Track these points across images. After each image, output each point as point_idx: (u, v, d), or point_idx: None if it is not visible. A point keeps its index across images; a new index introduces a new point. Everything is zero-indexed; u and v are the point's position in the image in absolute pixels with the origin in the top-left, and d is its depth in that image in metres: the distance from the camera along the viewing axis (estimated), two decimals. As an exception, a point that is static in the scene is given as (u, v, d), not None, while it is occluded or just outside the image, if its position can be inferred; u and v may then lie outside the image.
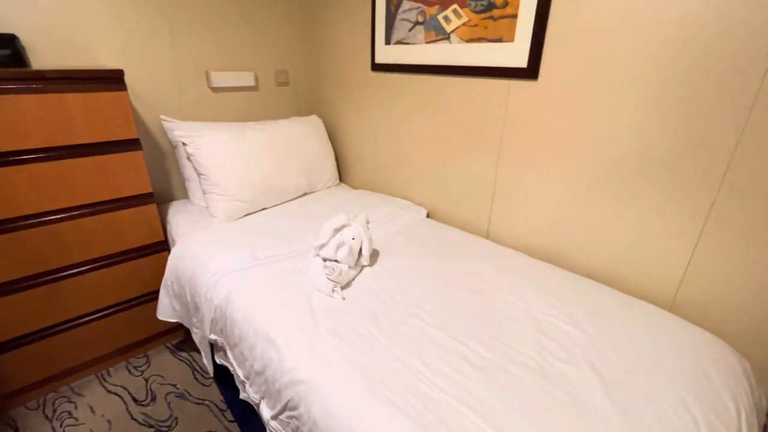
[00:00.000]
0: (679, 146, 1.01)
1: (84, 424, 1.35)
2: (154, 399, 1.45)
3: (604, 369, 0.86)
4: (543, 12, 1.16)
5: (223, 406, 1.42)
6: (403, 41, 1.59)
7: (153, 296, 1.56)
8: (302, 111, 2.21)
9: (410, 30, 1.55)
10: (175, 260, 1.41)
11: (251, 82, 1.95)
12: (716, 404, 0.79)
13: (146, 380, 1.53)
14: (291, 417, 0.87)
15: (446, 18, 1.41)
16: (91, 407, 1.41)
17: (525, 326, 1.00)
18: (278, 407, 0.91)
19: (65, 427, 1.34)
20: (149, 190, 1.46)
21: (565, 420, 0.74)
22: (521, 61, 1.25)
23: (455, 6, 1.37)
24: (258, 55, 1.95)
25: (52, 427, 1.33)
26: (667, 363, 0.88)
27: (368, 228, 1.42)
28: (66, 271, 1.36)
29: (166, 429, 1.33)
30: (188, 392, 1.48)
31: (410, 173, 1.78)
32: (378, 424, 0.73)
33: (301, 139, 1.88)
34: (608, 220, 1.20)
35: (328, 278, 1.12)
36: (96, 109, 1.27)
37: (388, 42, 1.66)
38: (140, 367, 1.60)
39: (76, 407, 1.41)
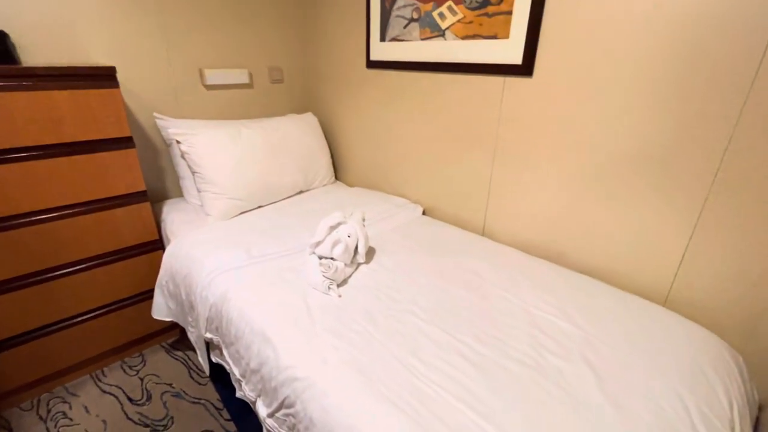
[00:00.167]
0: (673, 143, 1.02)
1: (79, 424, 1.34)
2: (149, 398, 1.44)
3: (599, 364, 0.87)
4: (538, 9, 1.16)
5: (220, 405, 1.42)
6: (398, 38, 1.59)
7: (148, 295, 1.55)
8: (297, 108, 2.20)
9: (405, 27, 1.55)
10: (169, 259, 1.40)
11: (245, 80, 1.94)
12: (710, 398, 0.80)
13: (141, 380, 1.52)
14: (287, 415, 0.87)
15: (441, 15, 1.41)
16: (85, 407, 1.40)
17: (521, 322, 1.00)
18: (274, 405, 0.91)
19: (60, 427, 1.33)
20: (143, 188, 1.45)
21: (560, 415, 0.75)
22: (516, 58, 1.25)
23: (450, 2, 1.37)
24: (252, 52, 1.94)
25: (47, 428, 1.32)
26: (661, 357, 0.89)
27: (364, 225, 1.42)
28: (59, 270, 1.35)
29: (162, 428, 1.33)
30: (184, 391, 1.47)
31: (406, 171, 1.78)
32: (374, 421, 0.73)
33: (296, 136, 1.87)
34: (603, 216, 1.20)
35: (324, 276, 1.12)
36: (87, 106, 1.26)
37: (383, 39, 1.65)
38: (135, 366, 1.59)
39: (70, 407, 1.40)
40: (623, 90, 1.07)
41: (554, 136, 1.24)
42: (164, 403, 1.42)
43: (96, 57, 1.52)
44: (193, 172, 1.60)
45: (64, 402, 1.43)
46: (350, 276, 1.20)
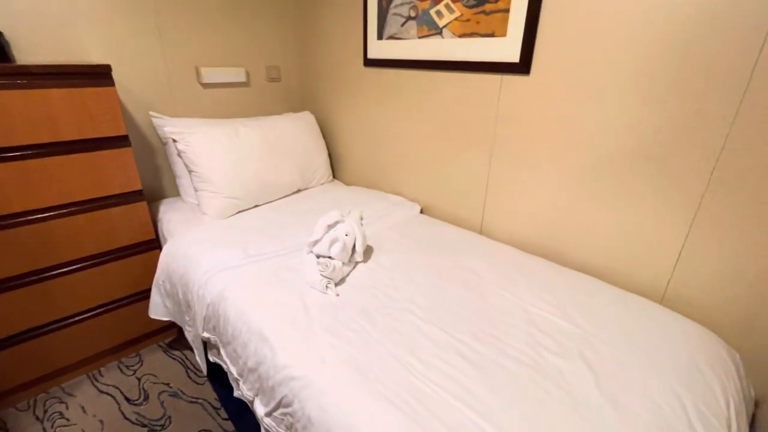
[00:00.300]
0: (670, 141, 1.02)
1: (75, 424, 1.33)
2: (147, 398, 1.44)
3: (597, 362, 0.87)
4: (535, 7, 1.16)
5: (217, 404, 1.41)
6: (396, 36, 1.58)
7: (145, 295, 1.54)
8: (294, 107, 2.19)
9: (402, 25, 1.54)
10: (166, 258, 1.39)
11: (242, 78, 1.93)
12: (707, 395, 0.80)
13: (139, 379, 1.52)
14: (285, 414, 0.87)
15: (438, 13, 1.41)
16: (82, 407, 1.40)
17: (518, 321, 1.00)
18: (272, 404, 0.91)
19: (56, 427, 1.32)
20: (139, 187, 1.44)
21: (558, 413, 0.75)
22: (513, 56, 1.25)
23: (447, 0, 1.36)
24: (249, 50, 1.93)
25: (43, 428, 1.32)
26: (659, 356, 0.89)
27: (362, 224, 1.42)
28: (55, 269, 1.34)
29: (159, 428, 1.33)
30: (182, 391, 1.47)
31: (403, 169, 1.78)
32: (372, 420, 0.73)
33: (293, 135, 1.86)
34: (600, 214, 1.20)
35: (321, 275, 1.11)
36: (82, 105, 1.25)
37: (380, 37, 1.65)
38: (132, 366, 1.58)
39: (67, 407, 1.40)
40: (621, 88, 1.07)
41: (551, 134, 1.24)
42: (162, 403, 1.42)
43: (92, 55, 1.51)
44: (190, 171, 1.59)
45: (61, 402, 1.42)
46: (348, 275, 1.20)
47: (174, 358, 1.62)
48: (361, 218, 1.53)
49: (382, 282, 1.16)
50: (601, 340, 0.93)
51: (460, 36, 1.37)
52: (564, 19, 1.13)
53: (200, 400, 1.43)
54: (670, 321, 1.01)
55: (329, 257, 1.18)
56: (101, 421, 1.34)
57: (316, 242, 1.21)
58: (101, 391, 1.46)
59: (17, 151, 1.18)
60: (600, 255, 1.24)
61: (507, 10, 1.22)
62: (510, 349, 0.91)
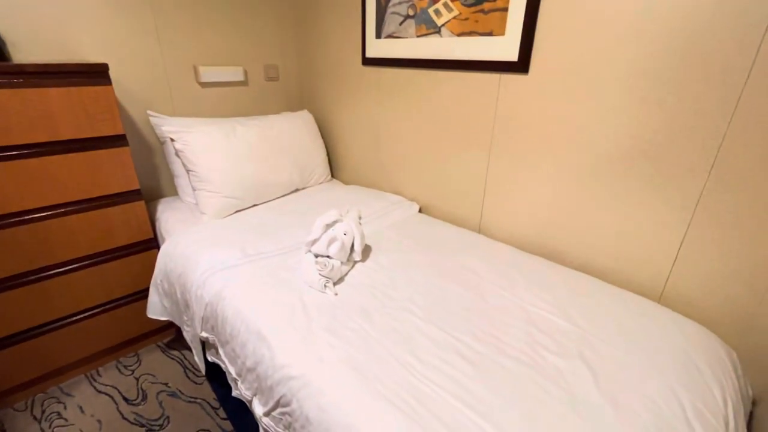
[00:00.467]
0: (668, 140, 1.02)
1: (73, 424, 1.33)
2: (145, 398, 1.43)
3: (596, 362, 0.87)
4: (533, 5, 1.16)
5: (216, 404, 1.41)
6: (394, 35, 1.58)
7: (143, 294, 1.54)
8: (293, 106, 2.19)
9: (401, 24, 1.54)
10: (164, 258, 1.39)
11: (240, 77, 1.93)
12: (705, 394, 0.80)
13: (137, 379, 1.51)
14: (283, 413, 0.87)
15: (437, 11, 1.40)
16: (80, 407, 1.39)
17: (517, 320, 1.00)
18: (271, 404, 0.90)
19: (54, 428, 1.32)
20: (137, 186, 1.44)
21: (557, 412, 0.75)
22: (512, 55, 1.24)
23: (446, -1, 1.36)
24: (247, 49, 1.93)
25: (41, 428, 1.31)
26: (657, 355, 0.89)
27: (360, 223, 1.41)
28: (53, 269, 1.34)
29: (157, 428, 1.32)
30: (180, 390, 1.47)
31: (402, 168, 1.77)
32: (371, 420, 0.73)
33: (292, 134, 1.86)
34: (599, 213, 1.20)
35: (320, 274, 1.11)
36: (79, 104, 1.24)
37: (378, 36, 1.64)
38: (131, 366, 1.58)
39: (65, 407, 1.39)
40: (619, 87, 1.07)
41: (550, 133, 1.24)
42: (160, 403, 1.41)
43: (89, 54, 1.50)
44: (188, 171, 1.59)
45: (59, 402, 1.42)
46: (346, 274, 1.20)
47: (172, 358, 1.62)
48: (360, 217, 1.53)
49: (381, 281, 1.16)
50: (600, 340, 0.93)
51: (459, 35, 1.37)
52: (562, 18, 1.12)
53: (199, 400, 1.43)
54: (669, 320, 1.01)
55: (328, 256, 1.18)
56: (99, 421, 1.34)
57: (314, 241, 1.21)
58: (99, 391, 1.46)
59: (14, 150, 1.18)
60: (599, 254, 1.24)
61: (505, 9, 1.22)
62: (509, 348, 0.91)
